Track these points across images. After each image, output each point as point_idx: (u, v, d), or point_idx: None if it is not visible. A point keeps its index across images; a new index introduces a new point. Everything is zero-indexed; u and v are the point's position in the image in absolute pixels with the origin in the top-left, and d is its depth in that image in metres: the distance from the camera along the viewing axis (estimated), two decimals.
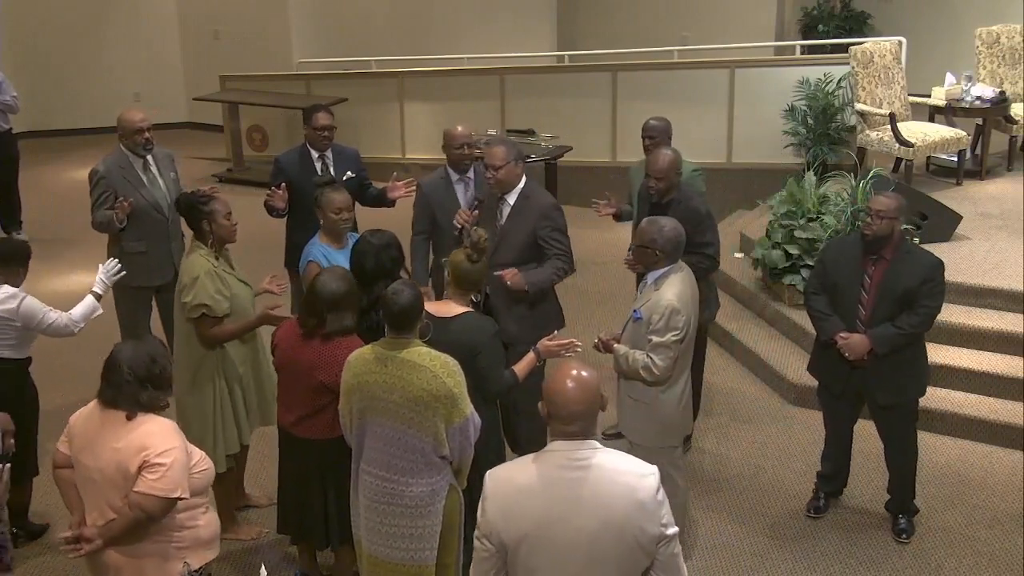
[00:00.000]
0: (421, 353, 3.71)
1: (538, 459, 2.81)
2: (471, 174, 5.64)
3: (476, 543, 2.83)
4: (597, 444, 2.80)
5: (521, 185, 5.03)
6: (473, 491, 4.10)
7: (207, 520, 3.57)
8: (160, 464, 3.29)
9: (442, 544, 3.86)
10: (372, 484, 3.81)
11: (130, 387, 3.36)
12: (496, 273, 4.82)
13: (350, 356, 3.84)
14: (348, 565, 4.35)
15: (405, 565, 3.83)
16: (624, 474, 2.76)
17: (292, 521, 4.38)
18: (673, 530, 2.78)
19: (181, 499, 3.35)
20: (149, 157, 5.85)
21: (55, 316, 4.66)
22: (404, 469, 3.74)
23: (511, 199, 5.02)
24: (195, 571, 3.52)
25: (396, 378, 3.68)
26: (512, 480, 2.80)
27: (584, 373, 2.81)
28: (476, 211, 5.09)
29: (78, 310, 4.71)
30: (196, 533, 3.51)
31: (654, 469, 2.79)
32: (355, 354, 3.83)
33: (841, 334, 4.71)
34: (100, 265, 4.80)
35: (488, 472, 2.87)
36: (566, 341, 4.30)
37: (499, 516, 2.77)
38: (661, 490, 2.77)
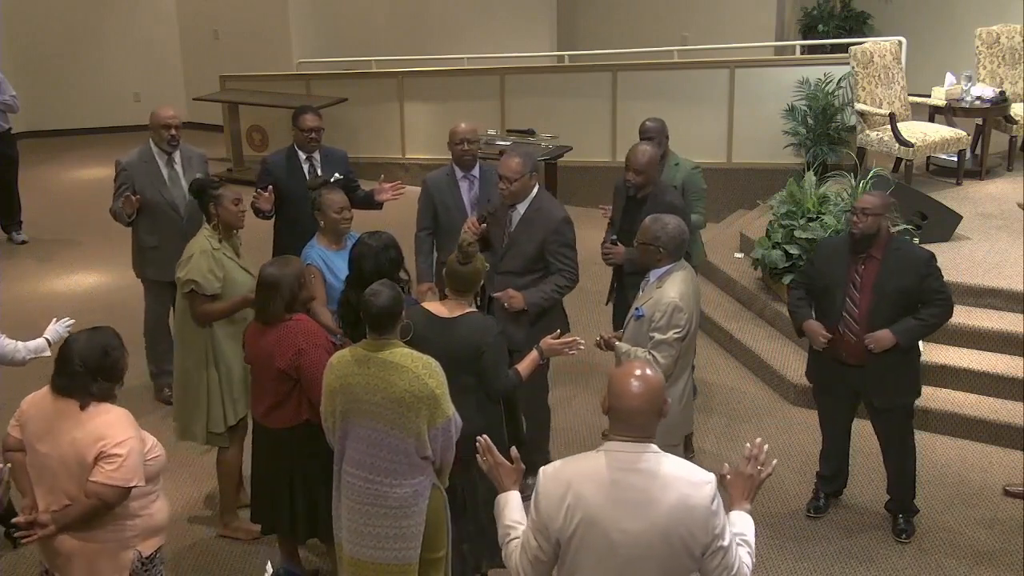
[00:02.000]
0: (403, 354, 3.71)
1: (594, 457, 2.78)
2: (476, 172, 5.63)
3: (529, 540, 2.81)
4: (656, 448, 2.78)
5: (533, 195, 5.01)
6: (462, 490, 4.11)
7: (158, 507, 3.62)
8: (117, 454, 3.36)
9: (429, 541, 3.87)
10: (355, 486, 3.82)
11: (82, 378, 3.42)
12: (495, 295, 4.82)
13: (332, 358, 3.86)
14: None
15: (389, 565, 3.84)
16: (680, 481, 2.74)
17: (263, 511, 4.43)
18: (725, 542, 2.75)
19: (136, 487, 3.42)
20: (176, 155, 5.92)
21: (7, 341, 4.63)
22: (387, 470, 3.75)
23: (521, 208, 4.99)
24: (146, 558, 3.56)
25: (378, 379, 3.69)
26: (565, 478, 2.77)
27: (649, 372, 2.78)
28: (484, 224, 5.06)
29: (32, 343, 4.67)
30: (148, 521, 3.57)
31: (711, 477, 2.77)
32: (337, 356, 3.85)
33: (867, 335, 4.67)
34: (55, 319, 4.78)
35: (542, 468, 2.84)
36: (569, 339, 4.31)
37: (552, 513, 2.75)
38: (717, 499, 2.74)
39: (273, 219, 5.85)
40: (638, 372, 2.77)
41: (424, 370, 3.68)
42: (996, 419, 5.76)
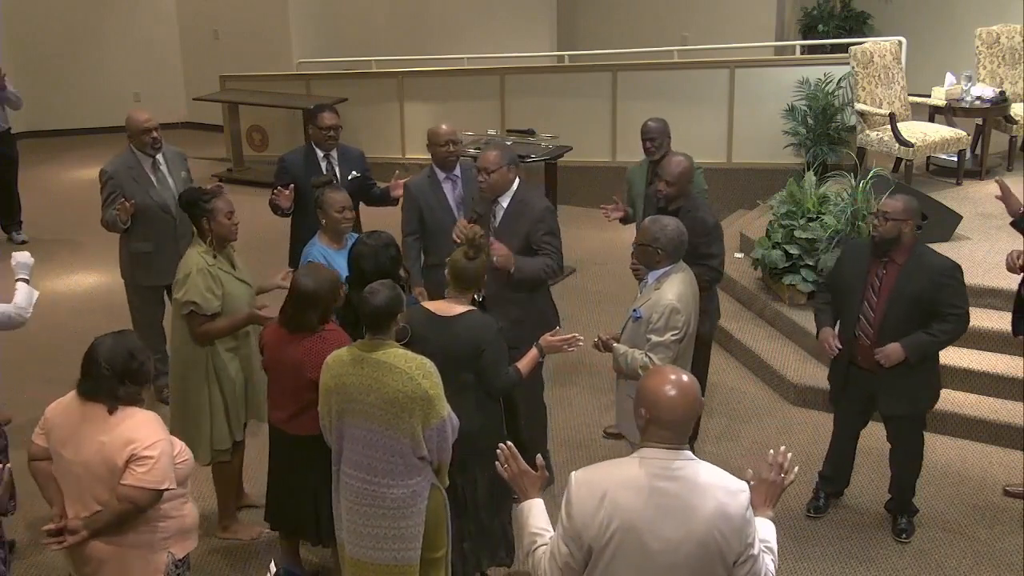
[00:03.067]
0: (397, 355, 3.70)
1: (630, 464, 2.75)
2: (458, 172, 5.64)
3: (559, 547, 2.77)
4: (691, 454, 2.76)
5: (514, 188, 5.02)
6: (463, 488, 4.10)
7: (188, 510, 3.61)
8: (148, 457, 3.33)
9: (429, 541, 3.86)
10: (353, 486, 3.82)
11: (108, 382, 3.38)
12: (491, 247, 4.79)
13: (328, 358, 3.85)
14: None
15: (389, 566, 3.83)
16: (717, 488, 2.72)
17: (286, 517, 4.40)
18: (755, 550, 2.75)
19: (169, 490, 3.40)
20: (159, 156, 5.90)
21: (1, 306, 4.54)
22: (384, 471, 3.74)
23: (504, 202, 5.01)
24: (179, 560, 3.57)
25: (372, 379, 3.68)
26: (600, 484, 2.73)
27: (685, 378, 2.75)
28: (475, 224, 5.08)
29: (19, 297, 4.55)
30: (180, 523, 3.55)
31: (745, 486, 2.76)
32: (333, 355, 3.84)
33: (877, 349, 4.64)
34: (15, 253, 4.70)
35: (573, 474, 2.79)
36: (568, 336, 4.31)
37: (586, 520, 2.71)
38: (750, 507, 2.74)
39: (291, 217, 5.86)
40: (673, 378, 2.73)
41: (418, 371, 3.67)
42: (996, 419, 5.76)
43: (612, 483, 2.72)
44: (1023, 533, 4.96)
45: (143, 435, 3.36)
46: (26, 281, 4.62)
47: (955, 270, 4.61)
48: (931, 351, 4.68)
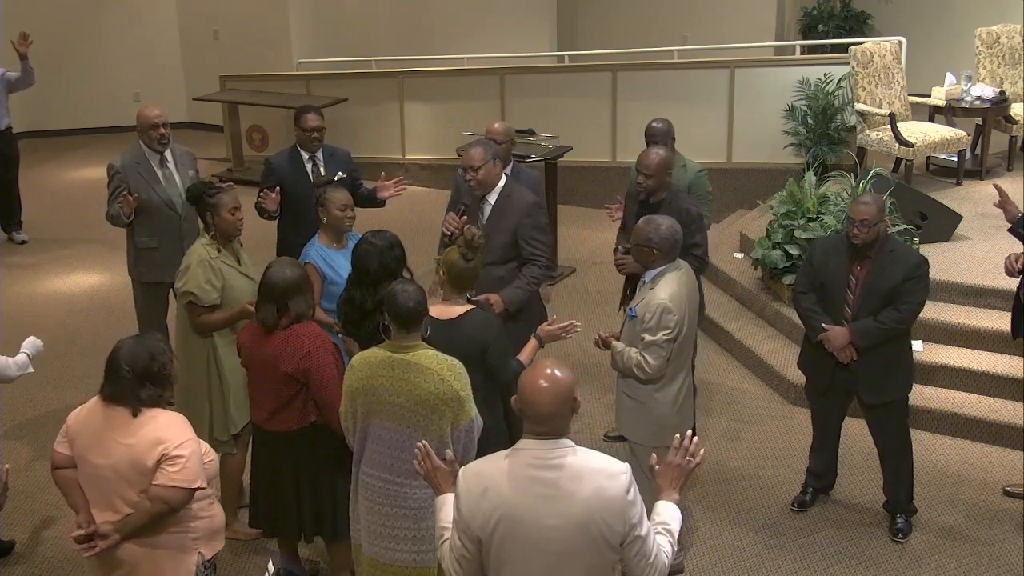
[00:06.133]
0: (428, 356, 3.71)
1: (508, 456, 2.82)
2: (508, 170, 5.65)
3: (455, 539, 2.85)
4: (570, 443, 2.80)
5: (502, 184, 5.05)
6: None
7: (216, 510, 3.63)
8: (179, 456, 3.34)
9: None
10: (374, 486, 3.82)
11: (130, 384, 3.39)
12: (475, 298, 4.84)
13: (354, 359, 3.86)
14: (342, 564, 4.37)
15: (408, 568, 3.84)
16: (595, 472, 2.76)
17: (264, 514, 4.41)
18: (642, 531, 2.78)
19: (200, 489, 3.40)
20: (167, 154, 5.92)
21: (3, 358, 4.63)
22: (407, 471, 3.74)
23: (492, 199, 5.04)
24: (208, 561, 3.57)
25: (402, 381, 3.68)
26: (481, 477, 2.82)
27: (558, 373, 2.79)
28: (464, 217, 5.10)
29: (18, 358, 4.65)
30: (210, 523, 3.56)
31: (625, 468, 2.79)
32: (358, 356, 3.84)
33: (823, 325, 4.72)
34: (31, 338, 4.80)
35: (461, 469, 2.89)
36: (565, 323, 4.32)
37: (473, 512, 2.79)
38: (633, 489, 2.77)
39: (278, 219, 5.86)
40: (548, 372, 2.79)
41: (449, 372, 3.68)
42: (996, 419, 5.76)
43: (493, 476, 2.79)
44: (1023, 534, 4.96)
45: (172, 435, 3.37)
46: (29, 357, 4.69)
47: (925, 264, 4.71)
48: (878, 337, 4.68)
